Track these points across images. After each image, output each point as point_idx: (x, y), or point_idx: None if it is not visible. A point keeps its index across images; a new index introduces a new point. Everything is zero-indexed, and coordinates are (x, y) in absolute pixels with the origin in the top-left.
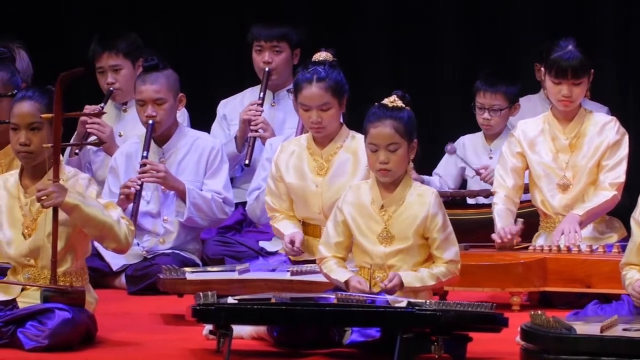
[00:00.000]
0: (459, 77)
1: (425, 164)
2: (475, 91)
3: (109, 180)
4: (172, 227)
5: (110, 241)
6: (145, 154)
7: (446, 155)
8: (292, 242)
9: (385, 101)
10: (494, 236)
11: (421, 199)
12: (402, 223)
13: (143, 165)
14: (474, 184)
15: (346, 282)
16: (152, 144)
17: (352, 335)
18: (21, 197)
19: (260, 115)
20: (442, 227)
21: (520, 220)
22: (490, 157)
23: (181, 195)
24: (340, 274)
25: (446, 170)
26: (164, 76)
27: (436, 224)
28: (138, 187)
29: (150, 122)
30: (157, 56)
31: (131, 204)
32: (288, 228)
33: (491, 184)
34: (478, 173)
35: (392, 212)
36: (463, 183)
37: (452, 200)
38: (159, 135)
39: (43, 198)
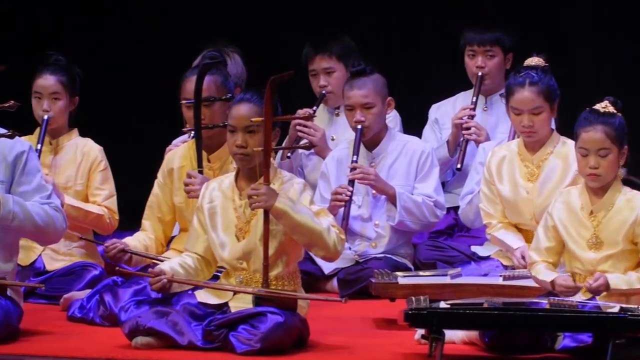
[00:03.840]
0: None
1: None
2: None
3: (320, 185)
4: (383, 231)
5: (319, 249)
6: (355, 159)
7: None
8: (523, 257)
9: (597, 106)
10: None
11: (630, 203)
12: (611, 228)
13: (353, 169)
14: None
15: (552, 282)
16: (362, 149)
17: (564, 340)
18: (236, 199)
19: (472, 119)
20: None
21: None
22: None
23: (391, 199)
24: (546, 275)
25: None
26: (371, 81)
27: None
28: (349, 194)
29: (359, 126)
30: (364, 60)
31: (342, 209)
32: (514, 240)
33: None
34: None
35: (602, 218)
36: None
37: None
38: (368, 139)
39: (253, 198)
